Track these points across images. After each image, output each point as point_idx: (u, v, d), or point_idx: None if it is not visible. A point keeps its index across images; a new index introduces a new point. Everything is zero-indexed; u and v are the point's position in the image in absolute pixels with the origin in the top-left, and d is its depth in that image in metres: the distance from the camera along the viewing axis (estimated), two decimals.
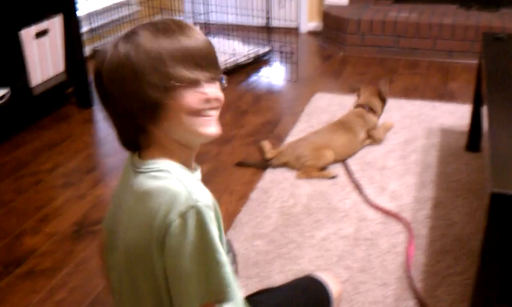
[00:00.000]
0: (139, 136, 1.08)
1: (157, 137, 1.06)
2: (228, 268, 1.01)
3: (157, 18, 1.11)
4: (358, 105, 2.81)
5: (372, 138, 2.76)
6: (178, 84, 1.00)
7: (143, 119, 1.04)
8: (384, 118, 2.90)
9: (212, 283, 0.99)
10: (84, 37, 3.61)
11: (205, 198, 1.00)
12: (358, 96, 2.89)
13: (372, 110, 2.78)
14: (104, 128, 3.13)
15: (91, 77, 3.41)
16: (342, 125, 2.69)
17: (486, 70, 2.12)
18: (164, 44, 1.01)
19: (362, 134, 2.71)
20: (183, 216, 0.97)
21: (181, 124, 1.03)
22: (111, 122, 1.09)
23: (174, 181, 1.01)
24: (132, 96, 1.01)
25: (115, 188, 1.17)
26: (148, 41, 1.01)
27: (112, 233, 1.13)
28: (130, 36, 1.03)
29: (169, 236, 0.97)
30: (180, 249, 0.97)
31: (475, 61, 3.91)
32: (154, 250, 0.99)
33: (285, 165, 2.59)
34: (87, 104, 3.38)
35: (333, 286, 1.34)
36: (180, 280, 0.99)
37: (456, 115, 3.09)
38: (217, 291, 1.00)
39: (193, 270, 0.97)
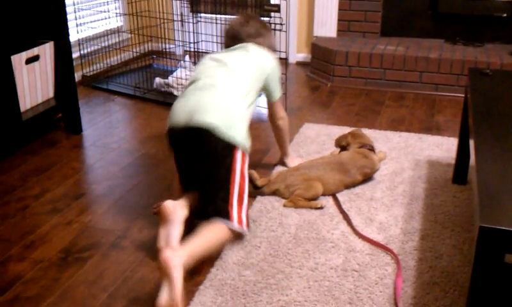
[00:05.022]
0: None
1: None
2: None
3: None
4: (361, 146, 2.76)
5: (369, 175, 2.75)
6: None
7: None
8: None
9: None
10: (74, 63, 3.62)
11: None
12: (346, 147, 2.85)
13: (372, 149, 2.78)
14: (93, 154, 3.12)
15: (80, 102, 3.43)
16: (340, 165, 2.65)
17: (472, 104, 2.16)
18: None
19: (358, 177, 2.68)
20: None
21: None
22: None
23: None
24: None
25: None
26: None
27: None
28: None
29: None
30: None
31: (460, 95, 4.01)
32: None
33: (275, 193, 2.60)
34: (76, 130, 3.38)
35: None
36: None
37: (442, 147, 3.13)
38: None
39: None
